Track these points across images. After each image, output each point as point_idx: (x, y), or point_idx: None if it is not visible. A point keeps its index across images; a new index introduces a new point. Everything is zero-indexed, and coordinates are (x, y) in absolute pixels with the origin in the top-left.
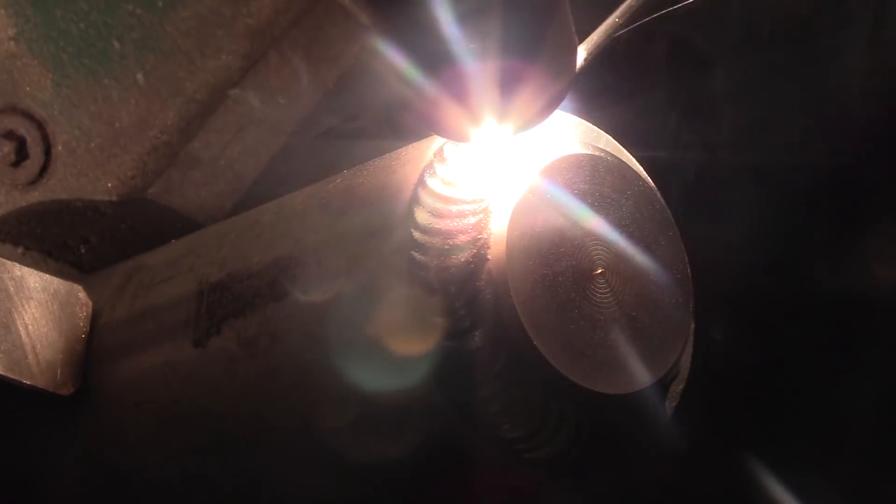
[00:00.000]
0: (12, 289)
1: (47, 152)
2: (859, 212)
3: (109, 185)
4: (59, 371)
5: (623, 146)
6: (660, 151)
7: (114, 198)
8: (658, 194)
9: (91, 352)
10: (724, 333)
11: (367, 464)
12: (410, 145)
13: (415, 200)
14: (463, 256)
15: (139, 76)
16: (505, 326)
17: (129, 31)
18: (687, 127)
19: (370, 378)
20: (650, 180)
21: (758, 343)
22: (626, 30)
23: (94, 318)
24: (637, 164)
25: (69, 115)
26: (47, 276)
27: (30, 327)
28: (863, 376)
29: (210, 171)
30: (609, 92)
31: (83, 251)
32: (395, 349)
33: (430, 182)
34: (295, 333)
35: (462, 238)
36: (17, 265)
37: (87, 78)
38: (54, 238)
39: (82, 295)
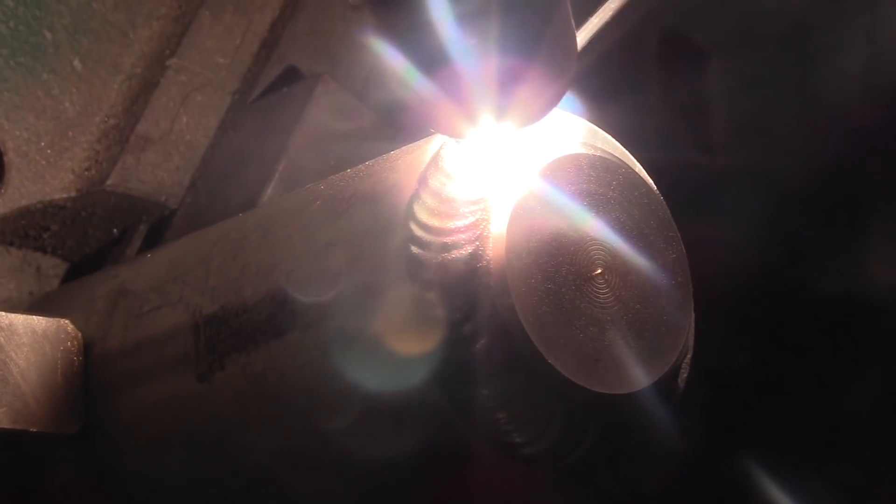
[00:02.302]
0: (3, 339)
1: (0, 161)
2: (857, 212)
3: (66, 181)
4: (61, 411)
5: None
6: (656, 151)
7: (72, 193)
8: (644, 178)
9: (90, 385)
10: (722, 334)
11: (368, 464)
12: (390, 165)
13: (409, 236)
14: (463, 261)
15: (76, 62)
16: (504, 325)
17: (59, 18)
18: (683, 126)
19: (374, 383)
20: (636, 163)
21: (755, 344)
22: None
23: (87, 348)
24: (617, 144)
25: (15, 118)
26: (34, 317)
27: (26, 374)
28: (861, 376)
29: (163, 148)
30: (606, 91)
31: (45, 237)
32: (398, 357)
33: (420, 212)
34: (304, 370)
35: (461, 251)
36: (4, 314)
37: (26, 76)
38: (15, 231)
39: (71, 328)
